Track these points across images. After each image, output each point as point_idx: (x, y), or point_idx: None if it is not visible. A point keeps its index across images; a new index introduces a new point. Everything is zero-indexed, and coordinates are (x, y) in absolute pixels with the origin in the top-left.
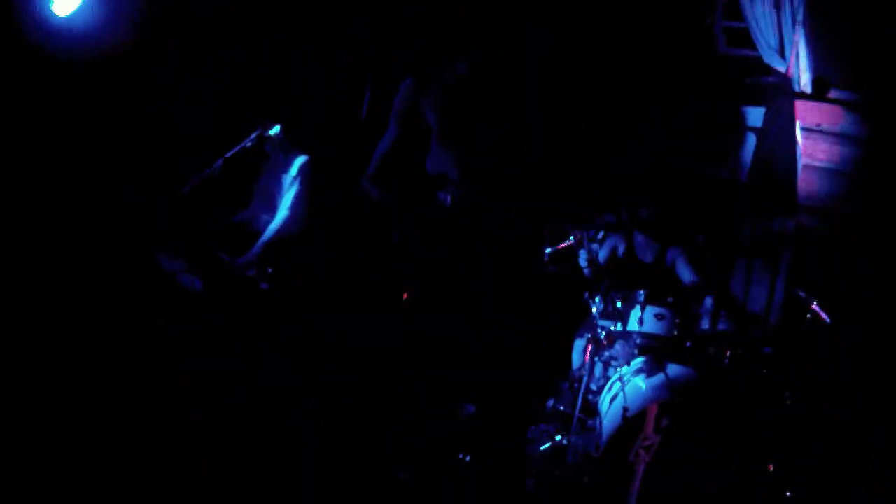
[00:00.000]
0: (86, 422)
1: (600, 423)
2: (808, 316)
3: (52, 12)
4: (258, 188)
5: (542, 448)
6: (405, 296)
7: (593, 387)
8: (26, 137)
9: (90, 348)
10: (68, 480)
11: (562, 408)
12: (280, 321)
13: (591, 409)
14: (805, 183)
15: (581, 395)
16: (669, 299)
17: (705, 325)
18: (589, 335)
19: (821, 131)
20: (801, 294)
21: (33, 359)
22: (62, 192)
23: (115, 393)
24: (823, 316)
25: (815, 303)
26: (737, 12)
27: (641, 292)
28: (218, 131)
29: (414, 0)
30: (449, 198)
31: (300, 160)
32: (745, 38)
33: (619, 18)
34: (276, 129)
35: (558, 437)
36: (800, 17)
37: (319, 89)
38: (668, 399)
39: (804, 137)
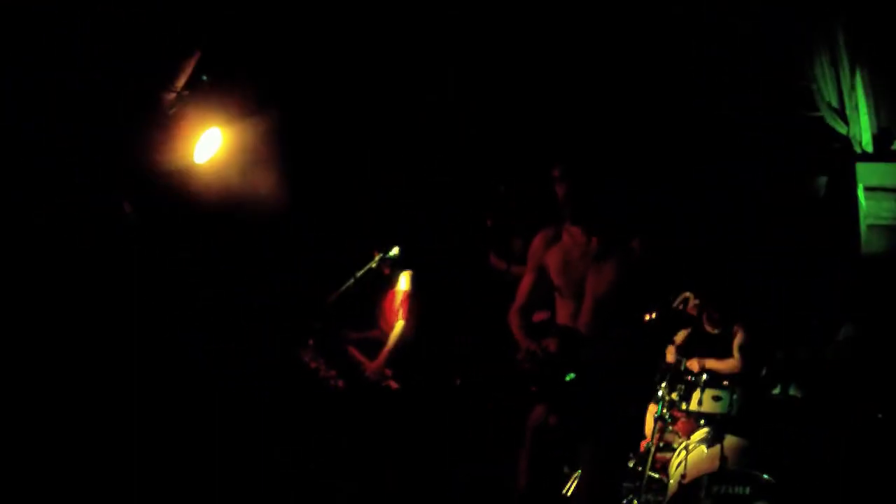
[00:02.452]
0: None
1: (667, 483)
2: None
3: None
4: (381, 304)
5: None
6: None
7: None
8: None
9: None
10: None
11: (640, 468)
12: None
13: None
14: (870, 245)
15: (650, 459)
16: (725, 382)
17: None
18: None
19: (884, 188)
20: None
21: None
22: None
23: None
24: None
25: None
26: None
27: (704, 376)
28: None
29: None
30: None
31: (405, 274)
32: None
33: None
34: (394, 251)
35: (630, 496)
36: (857, 72)
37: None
38: (718, 469)
39: (867, 198)
